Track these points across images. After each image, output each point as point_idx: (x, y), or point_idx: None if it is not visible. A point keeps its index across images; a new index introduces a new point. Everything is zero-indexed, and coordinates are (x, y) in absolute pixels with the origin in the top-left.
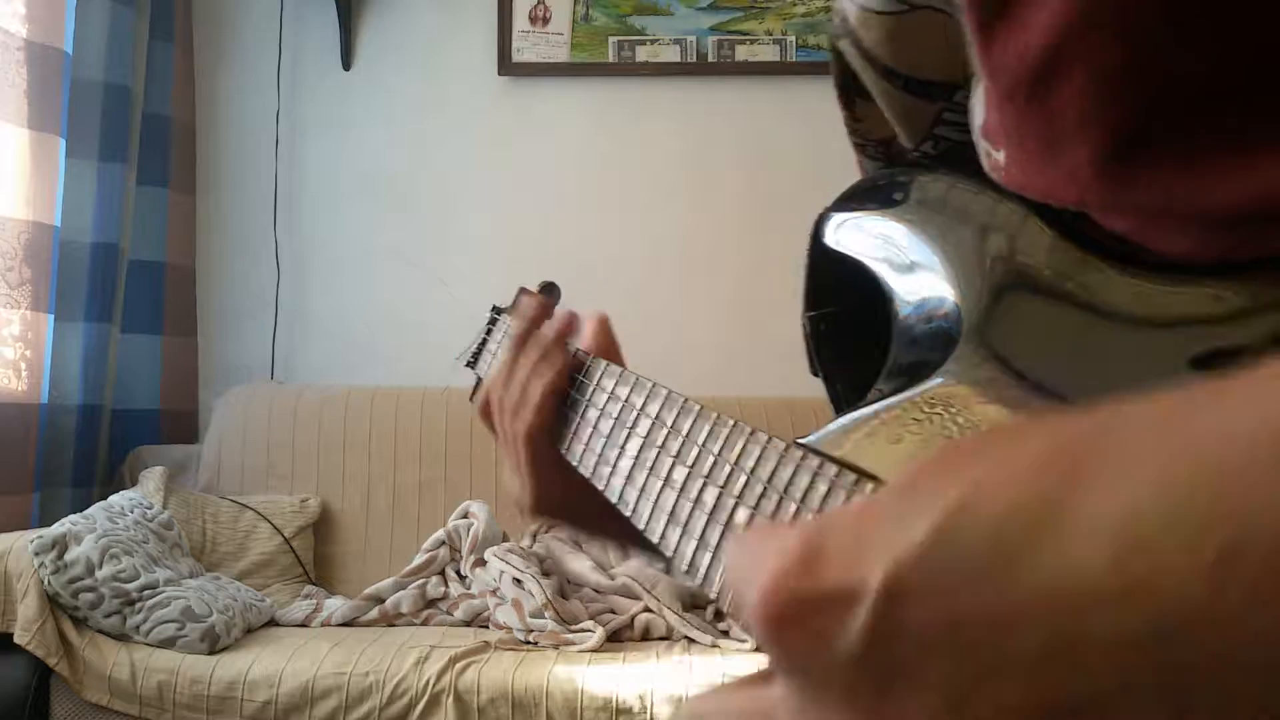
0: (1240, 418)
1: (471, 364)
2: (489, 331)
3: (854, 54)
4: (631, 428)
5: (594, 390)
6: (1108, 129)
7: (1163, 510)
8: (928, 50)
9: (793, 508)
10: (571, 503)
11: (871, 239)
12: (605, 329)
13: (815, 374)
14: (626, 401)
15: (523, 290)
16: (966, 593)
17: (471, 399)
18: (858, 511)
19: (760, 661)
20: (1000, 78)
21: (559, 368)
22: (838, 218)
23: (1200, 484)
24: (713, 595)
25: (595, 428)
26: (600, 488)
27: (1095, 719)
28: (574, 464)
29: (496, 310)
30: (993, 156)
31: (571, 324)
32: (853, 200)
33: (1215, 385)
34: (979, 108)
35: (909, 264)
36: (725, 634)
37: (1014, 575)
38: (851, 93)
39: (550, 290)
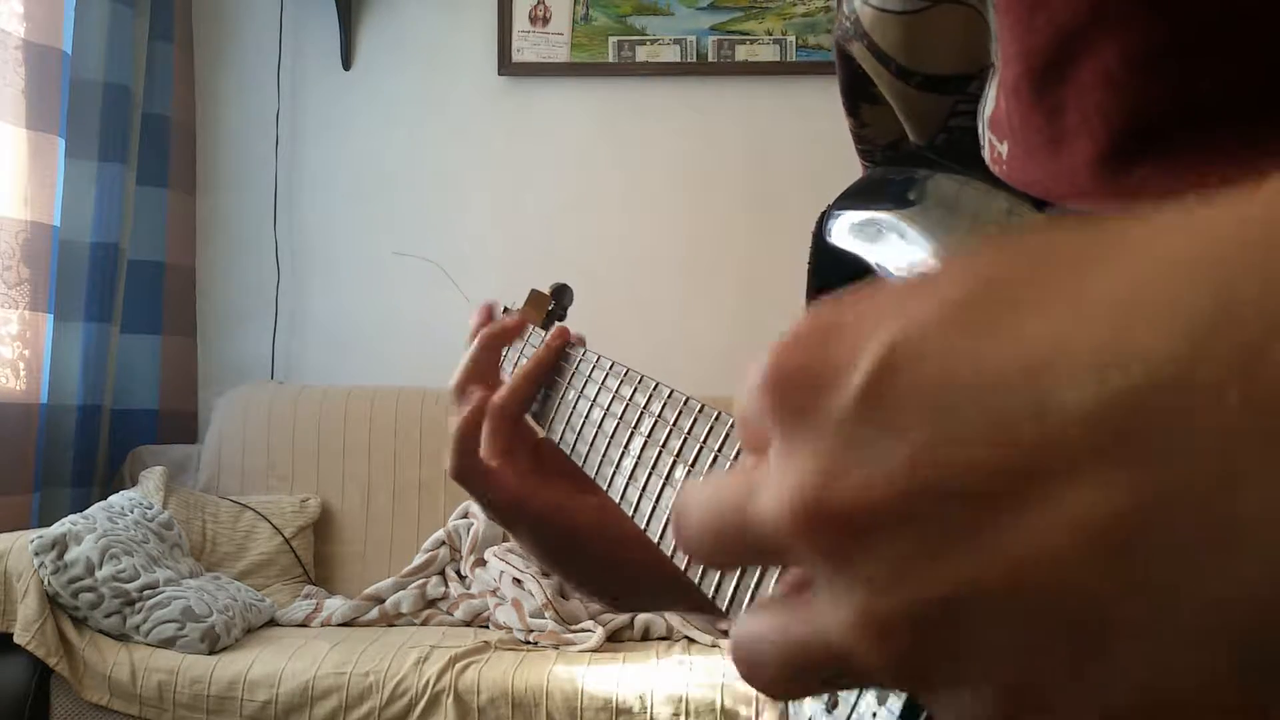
0: (1246, 206)
1: None
2: None
3: (867, 57)
4: (635, 427)
5: (573, 373)
6: (1110, 127)
7: (1158, 284)
8: (945, 45)
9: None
10: (521, 508)
11: (876, 237)
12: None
13: None
14: (630, 400)
15: (534, 292)
16: (964, 359)
17: None
18: (870, 291)
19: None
20: (1015, 66)
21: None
22: (841, 215)
23: (1198, 261)
24: (709, 592)
25: (587, 418)
26: (604, 486)
27: (1054, 486)
28: (556, 440)
29: (506, 311)
30: (995, 148)
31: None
32: (857, 197)
33: (1220, 197)
34: (990, 98)
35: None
36: (725, 634)
37: (1010, 340)
38: (858, 98)
39: (563, 292)
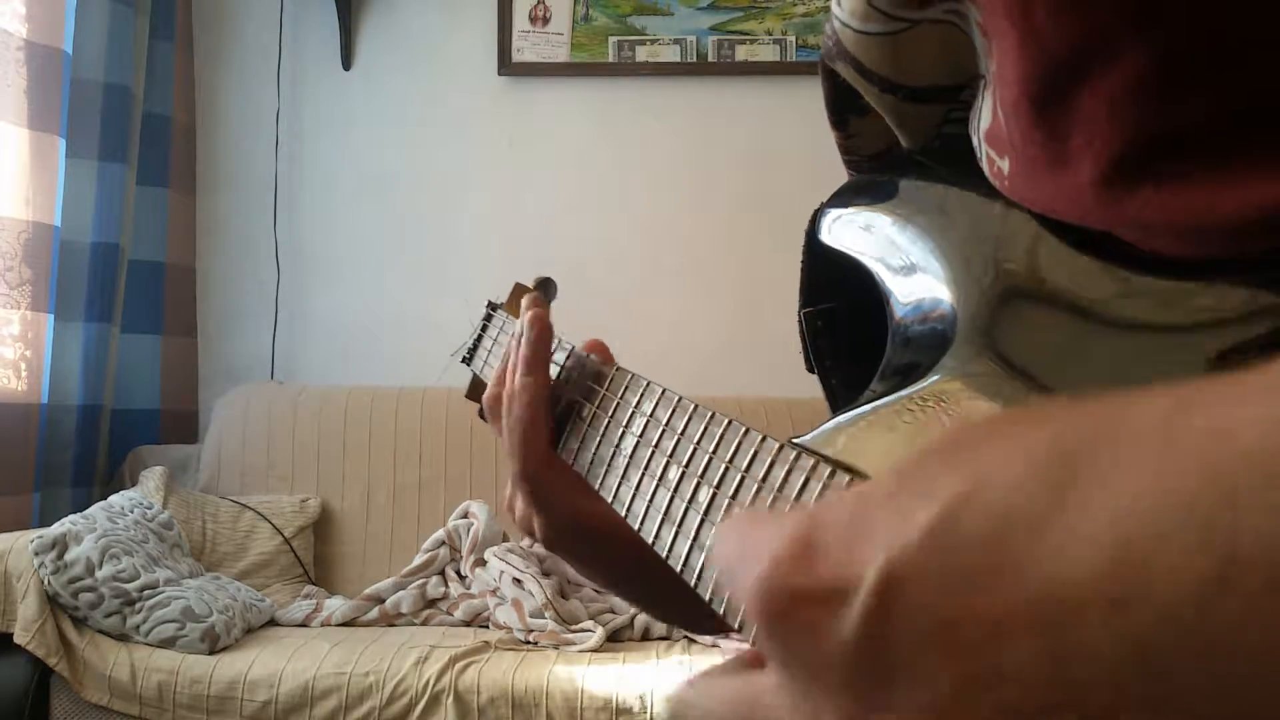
0: (1244, 423)
1: (467, 360)
2: (484, 327)
3: (852, 74)
4: (626, 426)
5: (603, 397)
6: (1112, 150)
7: (1161, 518)
8: (929, 60)
9: (786, 507)
10: (578, 536)
11: (867, 236)
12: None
13: (811, 370)
14: (621, 399)
15: (518, 285)
16: (962, 591)
17: (468, 396)
18: (853, 501)
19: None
20: (1013, 87)
21: (549, 394)
22: (834, 213)
23: (1201, 492)
24: (705, 597)
25: (595, 428)
26: (595, 487)
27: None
28: (581, 472)
29: (492, 306)
30: (996, 164)
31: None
32: (849, 196)
33: (1220, 384)
34: (985, 112)
35: (905, 264)
36: (725, 634)
37: (1010, 576)
38: (844, 112)
39: (546, 285)
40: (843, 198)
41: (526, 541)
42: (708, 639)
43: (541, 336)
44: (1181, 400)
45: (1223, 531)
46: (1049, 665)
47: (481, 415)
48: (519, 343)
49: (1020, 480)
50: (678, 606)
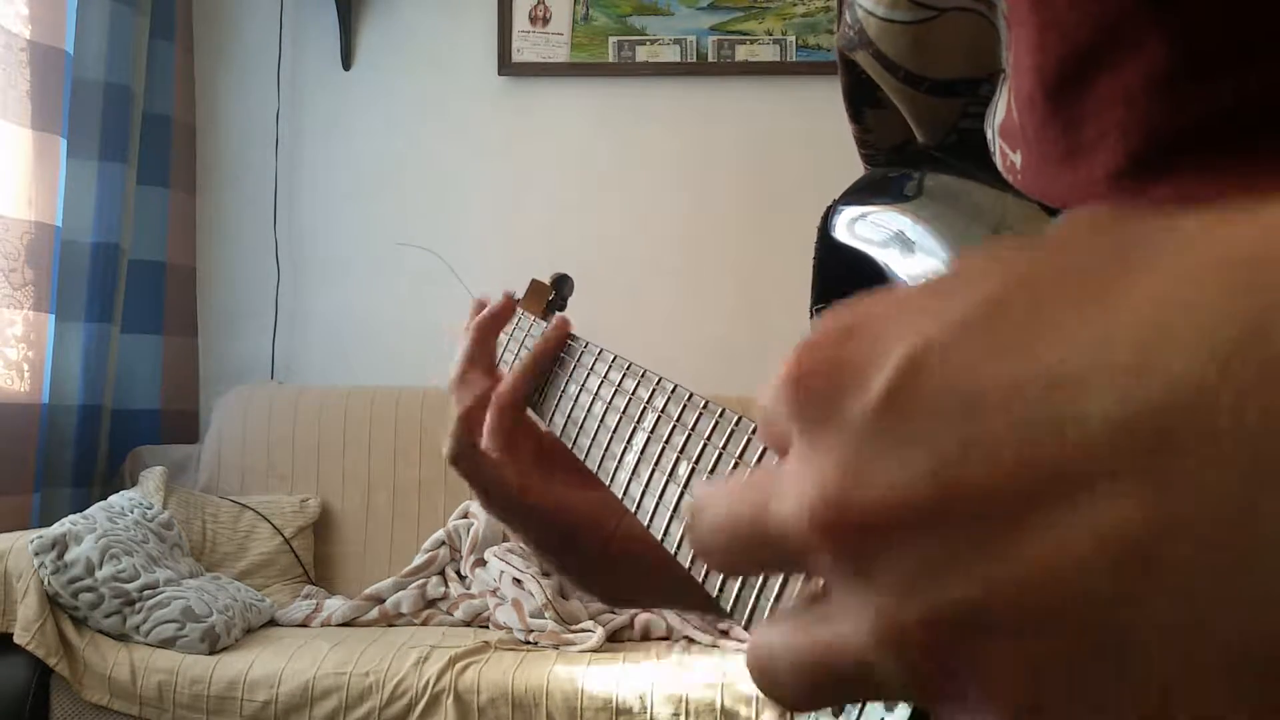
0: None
1: None
2: None
3: (873, 64)
4: (638, 421)
5: (575, 366)
6: (1129, 144)
7: (1185, 299)
8: (953, 51)
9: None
10: (516, 504)
11: (881, 232)
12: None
13: None
14: (634, 394)
15: (535, 281)
16: (989, 361)
17: None
18: (897, 294)
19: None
20: (1029, 78)
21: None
22: (847, 210)
23: (1226, 278)
24: (686, 565)
25: (589, 411)
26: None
27: (1077, 498)
28: (557, 433)
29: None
30: (1009, 157)
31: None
32: (863, 193)
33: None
34: (1001, 105)
35: (918, 259)
36: (725, 634)
37: (1040, 346)
38: (862, 104)
39: (563, 282)
40: (856, 194)
41: None
42: (707, 638)
43: (485, 334)
44: (1209, 215)
45: (1239, 312)
46: (1054, 425)
47: None
48: (539, 347)
49: (1063, 278)
50: (601, 580)
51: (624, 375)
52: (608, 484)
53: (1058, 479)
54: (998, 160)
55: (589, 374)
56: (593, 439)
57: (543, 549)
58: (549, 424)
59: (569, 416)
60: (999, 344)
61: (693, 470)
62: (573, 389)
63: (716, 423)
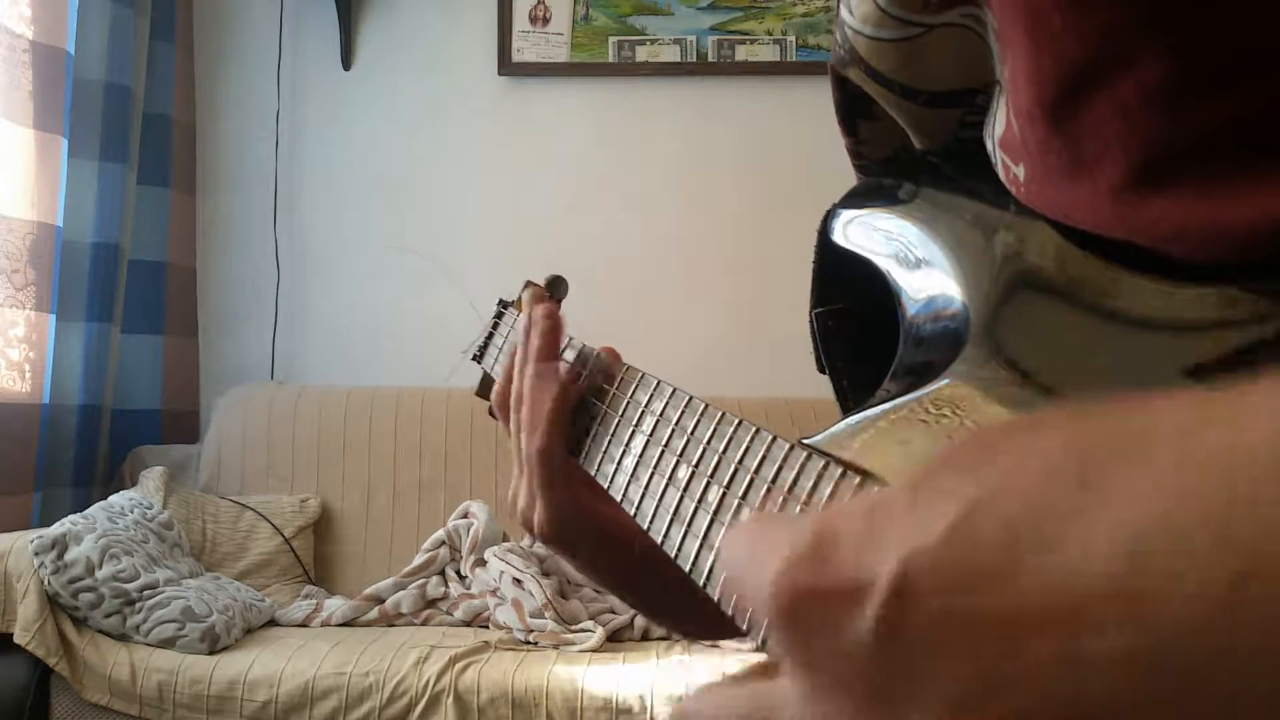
0: (1259, 431)
1: (478, 358)
2: (495, 325)
3: (866, 80)
4: (636, 425)
5: (614, 396)
6: (1129, 159)
7: (1177, 525)
8: (944, 66)
9: (797, 509)
10: (580, 535)
11: (879, 236)
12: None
13: (822, 371)
14: (631, 399)
15: (529, 283)
16: (980, 592)
17: (478, 393)
18: (872, 504)
19: (756, 657)
20: (1027, 94)
21: (565, 384)
22: (846, 214)
23: (1219, 495)
24: (715, 597)
25: (605, 427)
26: (605, 486)
27: None
28: (591, 471)
29: (503, 304)
30: (1011, 170)
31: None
32: (861, 197)
33: (1235, 392)
34: (1000, 118)
35: (917, 263)
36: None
37: (1027, 578)
38: (856, 117)
39: (558, 284)
40: (855, 199)
41: (527, 541)
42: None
43: (553, 329)
44: (1195, 407)
45: (1245, 527)
46: (1063, 667)
47: (491, 413)
48: (528, 335)
49: (1037, 486)
50: (675, 610)
51: (653, 396)
52: (631, 512)
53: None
54: (1000, 172)
55: (614, 395)
56: (617, 463)
57: (618, 575)
58: (585, 462)
59: (601, 447)
60: (985, 568)
61: (722, 495)
62: (604, 417)
63: (735, 437)
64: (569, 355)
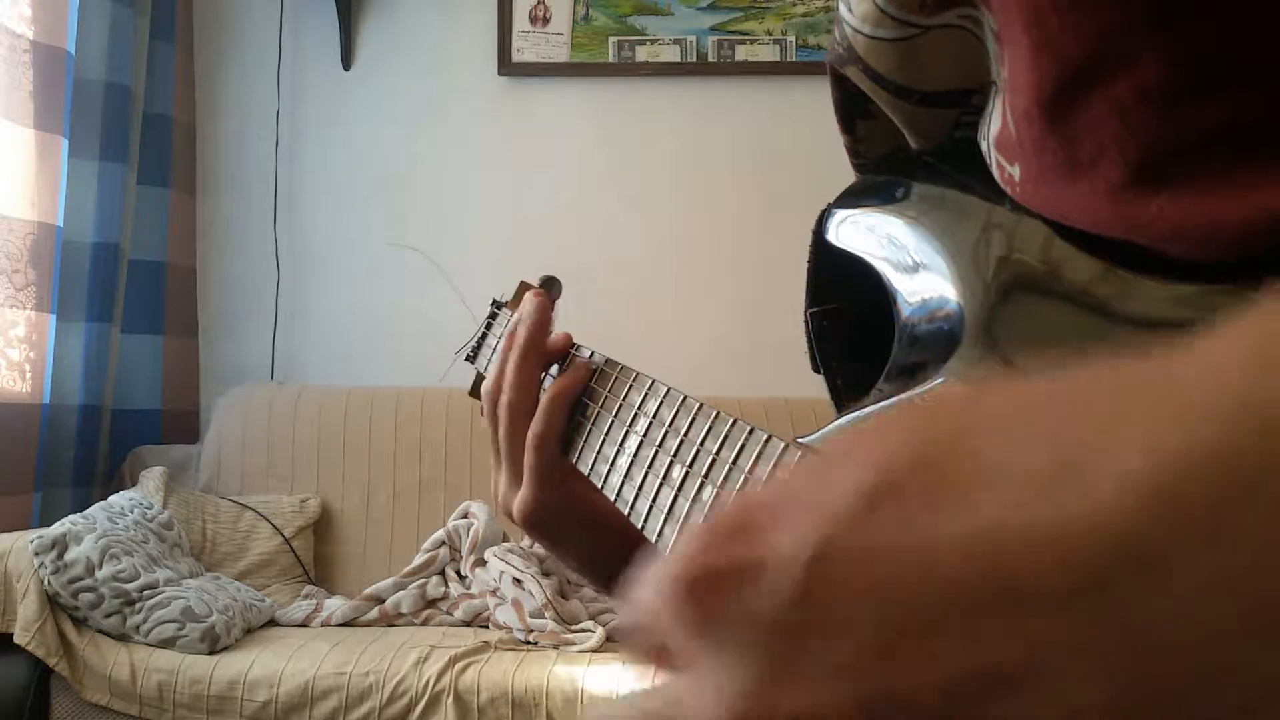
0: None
1: (471, 358)
2: (489, 326)
3: (864, 79)
4: (630, 426)
5: (607, 395)
6: (1126, 159)
7: (1082, 452)
8: (941, 66)
9: None
10: (564, 522)
11: (874, 236)
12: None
13: (816, 370)
14: (625, 399)
15: (523, 284)
16: (897, 553)
17: (471, 393)
18: (782, 479)
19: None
20: (1025, 94)
21: (564, 378)
22: (841, 214)
23: (1117, 419)
24: None
25: (599, 427)
26: (599, 485)
27: (1033, 690)
28: (584, 471)
29: (496, 304)
30: (1006, 170)
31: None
32: (857, 196)
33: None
34: (995, 118)
35: (912, 263)
36: None
37: (952, 526)
38: (854, 115)
39: (551, 284)
40: (850, 198)
41: (527, 541)
42: None
43: (541, 321)
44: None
45: (1139, 455)
46: (991, 610)
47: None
48: (516, 328)
49: (948, 446)
50: None
51: (647, 396)
52: (626, 511)
53: (1014, 659)
54: (995, 173)
55: (606, 396)
56: (611, 462)
57: (609, 563)
58: (578, 461)
59: (594, 447)
60: (908, 522)
61: (687, 474)
62: (603, 421)
63: (729, 437)
64: (577, 353)
